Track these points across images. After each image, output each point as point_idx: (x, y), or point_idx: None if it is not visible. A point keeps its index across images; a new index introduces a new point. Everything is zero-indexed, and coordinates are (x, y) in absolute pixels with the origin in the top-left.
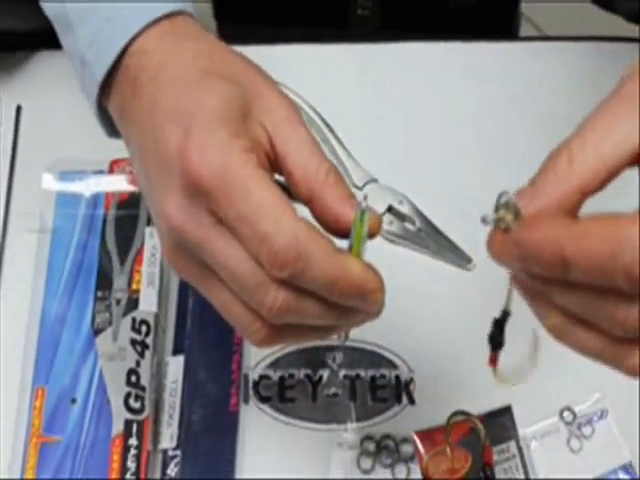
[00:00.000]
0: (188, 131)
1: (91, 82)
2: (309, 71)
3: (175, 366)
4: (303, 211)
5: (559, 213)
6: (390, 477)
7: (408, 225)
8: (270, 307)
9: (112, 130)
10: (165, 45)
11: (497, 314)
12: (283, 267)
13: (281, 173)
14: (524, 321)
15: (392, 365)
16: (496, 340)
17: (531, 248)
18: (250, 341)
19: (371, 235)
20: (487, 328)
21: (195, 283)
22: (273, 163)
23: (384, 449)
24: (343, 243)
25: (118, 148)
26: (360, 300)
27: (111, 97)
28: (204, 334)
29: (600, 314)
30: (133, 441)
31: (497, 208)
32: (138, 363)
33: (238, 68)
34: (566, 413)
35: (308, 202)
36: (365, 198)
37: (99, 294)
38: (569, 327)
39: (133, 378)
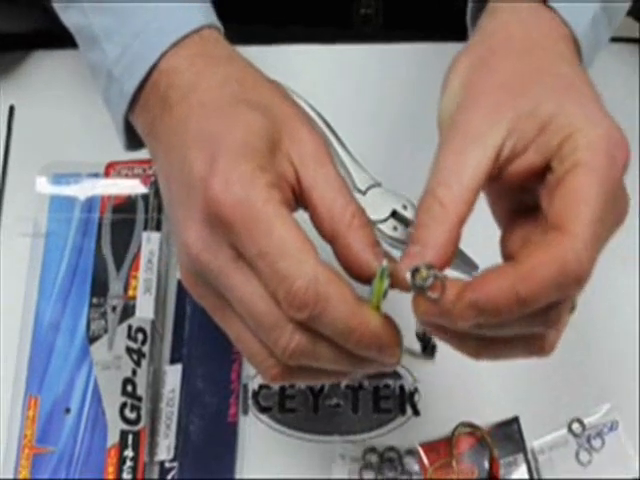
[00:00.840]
0: (214, 159)
1: (119, 97)
2: (311, 71)
3: (172, 375)
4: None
5: (449, 252)
6: None
7: (412, 229)
8: (284, 348)
9: (131, 143)
10: (196, 66)
11: None
12: (301, 308)
13: (306, 208)
14: None
15: (396, 375)
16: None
17: (489, 304)
18: (263, 377)
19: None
20: None
21: (211, 312)
22: (298, 197)
23: (387, 461)
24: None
25: (114, 151)
26: (376, 352)
27: (138, 112)
28: (203, 342)
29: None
30: (129, 452)
31: (416, 278)
32: (134, 372)
33: (268, 98)
34: (575, 425)
35: (331, 241)
36: (387, 257)
37: (94, 300)
38: (484, 347)
39: (129, 387)
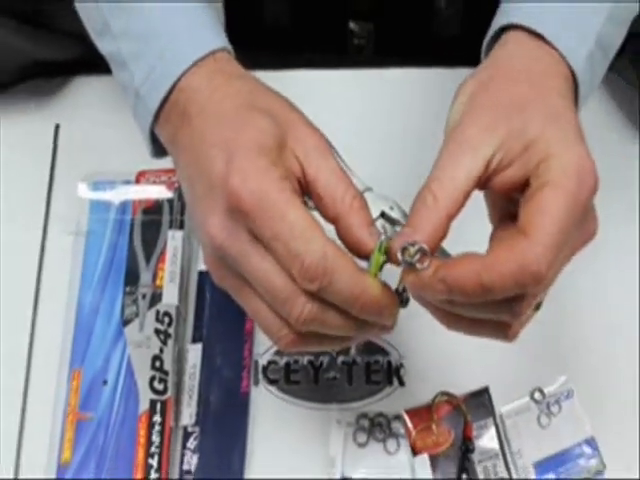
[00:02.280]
0: (231, 159)
1: (144, 112)
2: (311, 93)
3: (194, 353)
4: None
5: (436, 238)
6: (383, 450)
7: (398, 228)
8: (297, 317)
9: (157, 151)
10: (211, 83)
11: None
12: (312, 281)
13: (311, 195)
14: None
15: (384, 352)
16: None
17: (456, 283)
18: (277, 345)
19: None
20: None
21: (231, 292)
22: (304, 188)
23: (377, 426)
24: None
25: (144, 161)
26: (377, 315)
27: (161, 125)
28: (220, 325)
29: (497, 315)
30: (157, 418)
31: (404, 255)
32: (161, 350)
33: (274, 104)
34: (537, 394)
35: (334, 222)
36: (385, 231)
37: (127, 289)
38: (456, 321)
39: (157, 363)
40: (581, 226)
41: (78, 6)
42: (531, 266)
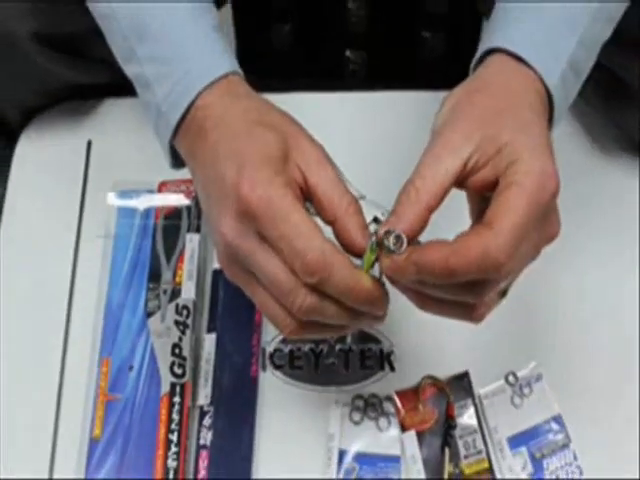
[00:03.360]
0: (241, 169)
1: (165, 127)
2: (312, 112)
3: (209, 341)
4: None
5: (417, 227)
6: (375, 427)
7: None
8: (299, 307)
9: (176, 162)
10: (224, 101)
11: None
12: (313, 274)
13: (312, 201)
14: None
15: (377, 341)
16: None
17: (426, 266)
18: (282, 332)
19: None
20: None
21: (242, 286)
22: (305, 193)
23: (371, 406)
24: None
25: (165, 173)
26: (369, 305)
27: (180, 139)
28: (231, 317)
29: (463, 297)
30: (177, 399)
31: (379, 239)
32: (180, 339)
33: (279, 120)
34: (510, 377)
35: (332, 224)
36: (375, 232)
37: (150, 285)
38: (426, 302)
39: (177, 350)
40: (543, 225)
41: (107, 36)
42: (492, 254)
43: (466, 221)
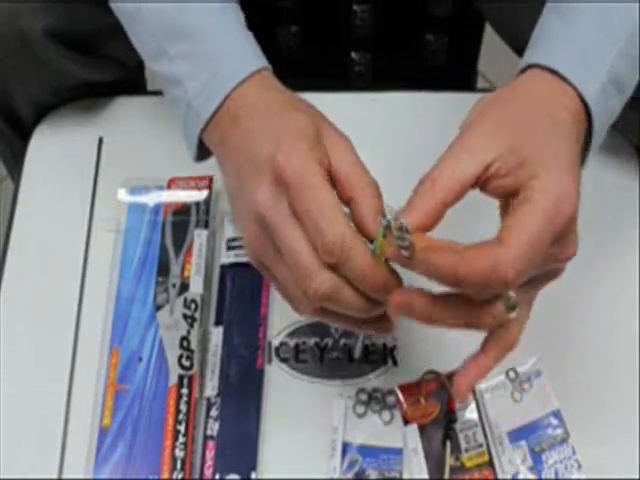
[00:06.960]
0: (277, 142)
1: (195, 122)
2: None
3: (216, 335)
4: None
5: (430, 219)
6: (378, 420)
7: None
8: (316, 290)
9: (200, 155)
10: (257, 92)
11: None
12: (332, 255)
13: (333, 183)
14: None
15: (380, 335)
16: None
17: (434, 268)
18: (297, 312)
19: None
20: None
21: (264, 259)
22: (329, 174)
23: (374, 399)
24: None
25: (174, 170)
26: (382, 290)
27: (209, 131)
28: (238, 311)
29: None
30: (185, 390)
31: (389, 230)
32: (189, 332)
33: (309, 108)
34: (511, 373)
35: (349, 205)
36: (387, 220)
37: (159, 279)
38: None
39: (185, 343)
40: (557, 246)
41: (131, 34)
42: (500, 269)
43: (484, 222)
